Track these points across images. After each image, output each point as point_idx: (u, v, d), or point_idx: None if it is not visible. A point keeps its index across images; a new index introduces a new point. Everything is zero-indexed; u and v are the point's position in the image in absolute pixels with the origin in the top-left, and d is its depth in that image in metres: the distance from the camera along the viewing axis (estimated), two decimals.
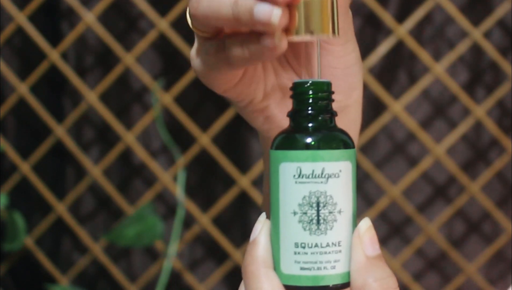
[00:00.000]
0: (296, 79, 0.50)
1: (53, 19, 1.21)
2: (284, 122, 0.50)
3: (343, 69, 0.52)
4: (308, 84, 0.47)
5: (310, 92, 0.47)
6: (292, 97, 0.48)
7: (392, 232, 1.19)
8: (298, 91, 0.47)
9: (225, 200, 1.18)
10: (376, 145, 1.18)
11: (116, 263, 1.23)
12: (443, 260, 1.17)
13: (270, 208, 0.47)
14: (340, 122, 0.52)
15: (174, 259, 1.18)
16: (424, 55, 1.13)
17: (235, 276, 1.19)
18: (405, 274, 1.15)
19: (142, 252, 1.23)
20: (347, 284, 0.47)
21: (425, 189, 1.18)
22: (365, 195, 1.18)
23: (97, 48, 1.22)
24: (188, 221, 1.19)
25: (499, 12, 1.12)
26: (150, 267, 1.21)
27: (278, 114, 0.53)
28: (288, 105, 0.51)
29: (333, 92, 0.48)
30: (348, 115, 0.55)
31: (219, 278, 1.20)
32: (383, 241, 1.18)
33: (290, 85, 0.48)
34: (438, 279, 1.18)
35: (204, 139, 1.16)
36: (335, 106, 0.48)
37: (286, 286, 0.46)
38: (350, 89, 0.53)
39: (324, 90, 0.47)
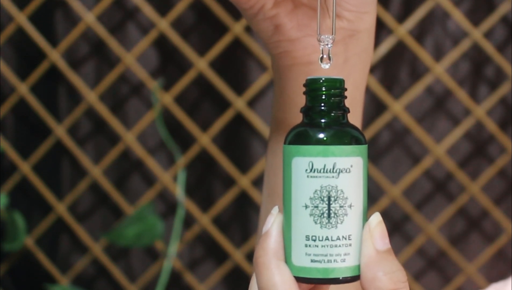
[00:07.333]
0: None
1: (46, 10, 1.21)
2: (293, 34, 0.50)
3: None
4: (321, 80, 0.48)
5: (323, 88, 0.48)
6: (305, 93, 0.49)
7: (393, 230, 1.19)
8: (311, 88, 0.48)
9: (225, 200, 1.18)
10: (377, 143, 1.18)
11: (116, 263, 1.23)
12: (443, 259, 1.18)
13: (282, 201, 0.48)
14: (351, 49, 0.52)
15: (174, 259, 1.19)
16: (424, 55, 1.13)
17: (235, 276, 1.20)
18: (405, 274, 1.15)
19: (142, 252, 1.23)
20: (357, 277, 0.48)
21: (425, 188, 1.18)
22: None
23: (95, 45, 1.22)
24: (188, 221, 1.20)
25: (501, 10, 1.12)
26: (150, 267, 1.21)
27: (288, 24, 0.54)
28: (299, 17, 0.51)
29: (345, 89, 0.49)
30: (360, 42, 0.55)
31: (219, 278, 1.20)
32: None
33: None
34: (438, 278, 1.18)
35: (204, 139, 1.17)
36: (346, 27, 0.48)
37: (296, 278, 0.47)
38: (362, 9, 0.53)
39: (337, 87, 0.48)
